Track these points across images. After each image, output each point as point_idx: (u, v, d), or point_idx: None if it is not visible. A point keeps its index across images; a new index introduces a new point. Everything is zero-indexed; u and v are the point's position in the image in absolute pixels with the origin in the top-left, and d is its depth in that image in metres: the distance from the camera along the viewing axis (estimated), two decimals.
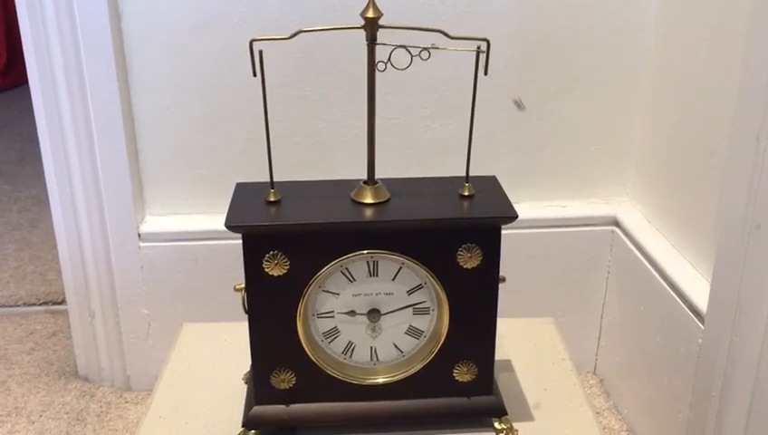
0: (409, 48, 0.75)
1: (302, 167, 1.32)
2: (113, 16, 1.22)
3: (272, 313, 0.81)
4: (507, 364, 0.98)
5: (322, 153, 1.32)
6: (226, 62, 1.26)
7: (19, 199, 2.25)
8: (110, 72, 1.23)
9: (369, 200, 0.81)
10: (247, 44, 0.73)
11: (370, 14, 0.75)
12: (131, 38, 1.25)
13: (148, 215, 1.37)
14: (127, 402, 1.41)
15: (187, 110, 1.29)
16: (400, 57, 0.75)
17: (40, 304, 1.70)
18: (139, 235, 1.34)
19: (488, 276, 0.81)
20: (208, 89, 1.28)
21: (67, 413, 1.37)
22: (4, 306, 1.70)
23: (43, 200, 1.99)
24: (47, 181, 1.32)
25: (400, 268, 0.80)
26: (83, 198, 1.32)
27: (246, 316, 0.82)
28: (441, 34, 0.75)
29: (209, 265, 1.35)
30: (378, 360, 0.85)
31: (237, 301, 0.83)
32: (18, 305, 1.70)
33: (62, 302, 1.56)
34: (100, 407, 1.40)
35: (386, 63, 0.76)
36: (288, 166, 1.30)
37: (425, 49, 0.75)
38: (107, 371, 1.44)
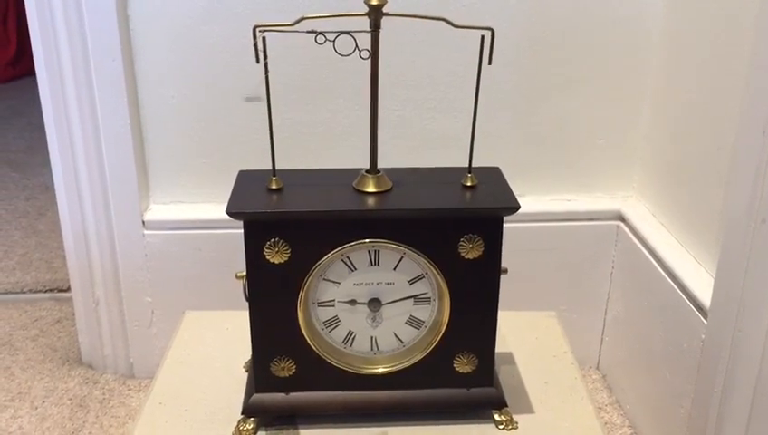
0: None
1: (306, 156, 1.32)
2: (120, 5, 1.22)
3: (272, 301, 0.81)
4: (508, 357, 0.98)
5: (327, 143, 1.32)
6: (232, 51, 1.26)
7: (27, 187, 2.26)
8: (116, 61, 1.23)
9: (370, 189, 0.81)
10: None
11: (374, 1, 0.74)
12: (137, 27, 1.25)
13: (152, 203, 1.37)
14: (129, 390, 1.42)
15: (192, 99, 1.29)
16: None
17: (45, 292, 1.71)
18: (144, 223, 1.34)
19: (490, 267, 0.81)
20: (213, 78, 1.28)
21: (70, 400, 1.38)
22: (9, 293, 1.71)
23: (50, 188, 1.98)
24: (53, 169, 1.32)
25: (401, 258, 0.80)
26: (89, 186, 1.32)
27: (248, 304, 0.82)
28: (445, 23, 0.75)
29: (213, 254, 1.35)
30: (378, 349, 0.85)
31: (240, 290, 0.83)
32: (24, 292, 1.71)
33: (68, 289, 1.57)
34: (103, 394, 1.40)
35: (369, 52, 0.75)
36: (292, 155, 1.30)
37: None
38: (110, 358, 1.44)
